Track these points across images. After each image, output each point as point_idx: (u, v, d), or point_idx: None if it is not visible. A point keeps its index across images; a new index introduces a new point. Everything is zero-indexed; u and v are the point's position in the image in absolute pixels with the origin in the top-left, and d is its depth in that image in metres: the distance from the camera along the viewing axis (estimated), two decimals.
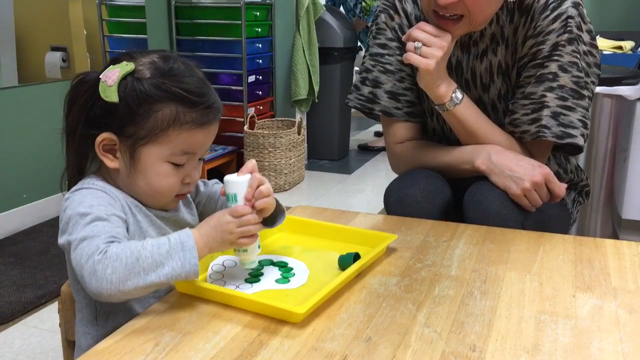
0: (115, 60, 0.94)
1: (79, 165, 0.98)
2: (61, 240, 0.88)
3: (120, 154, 0.93)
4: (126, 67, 0.91)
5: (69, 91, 0.95)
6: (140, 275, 0.81)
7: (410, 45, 1.24)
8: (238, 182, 0.91)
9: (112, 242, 0.83)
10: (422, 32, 1.23)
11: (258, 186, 0.92)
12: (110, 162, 0.94)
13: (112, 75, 0.91)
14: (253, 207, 0.91)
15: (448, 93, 1.27)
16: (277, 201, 1.00)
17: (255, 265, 0.96)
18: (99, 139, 0.92)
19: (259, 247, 0.93)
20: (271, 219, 1.00)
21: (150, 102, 0.90)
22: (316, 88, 3.93)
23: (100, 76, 0.92)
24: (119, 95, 0.90)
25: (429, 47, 1.22)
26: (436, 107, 1.31)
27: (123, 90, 0.90)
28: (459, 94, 1.28)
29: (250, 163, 0.94)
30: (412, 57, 1.23)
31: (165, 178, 0.94)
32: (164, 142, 0.92)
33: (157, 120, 0.91)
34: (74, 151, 0.96)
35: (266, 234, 1.10)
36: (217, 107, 0.96)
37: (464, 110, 1.28)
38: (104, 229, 0.84)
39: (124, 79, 0.91)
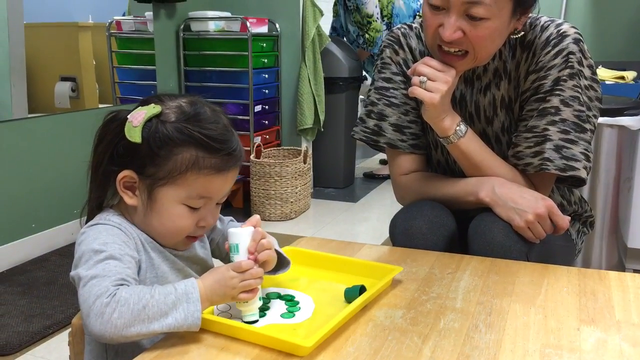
0: (145, 102, 0.97)
1: (99, 199, 1.00)
2: (72, 273, 0.90)
3: (139, 192, 0.96)
4: (153, 109, 0.94)
5: (101, 127, 0.99)
6: (144, 323, 0.82)
7: (415, 79, 1.26)
8: (241, 234, 0.93)
9: (122, 284, 0.84)
10: (427, 66, 1.25)
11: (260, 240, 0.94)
12: (129, 199, 0.96)
13: (138, 117, 0.94)
14: (256, 260, 0.93)
15: (452, 126, 1.29)
16: (283, 253, 1.02)
17: (254, 318, 0.94)
18: (120, 175, 0.95)
19: (260, 299, 0.94)
20: (276, 268, 1.02)
21: (172, 145, 0.93)
22: (322, 117, 3.97)
23: (128, 116, 0.95)
24: (142, 136, 0.93)
25: (433, 82, 1.24)
26: (441, 139, 1.33)
27: (147, 132, 0.93)
28: (462, 127, 1.30)
29: (254, 218, 0.96)
30: (417, 91, 1.26)
31: (179, 219, 0.96)
32: (182, 185, 0.94)
33: (176, 163, 0.93)
34: (97, 185, 0.99)
35: None
36: (237, 155, 0.98)
37: (467, 142, 1.30)
38: (115, 268, 0.86)
39: (149, 120, 0.94)
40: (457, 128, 1.30)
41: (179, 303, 0.85)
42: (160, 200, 0.95)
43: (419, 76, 1.25)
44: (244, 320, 0.93)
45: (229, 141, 0.97)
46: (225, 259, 1.12)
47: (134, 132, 0.93)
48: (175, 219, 0.96)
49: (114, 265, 0.87)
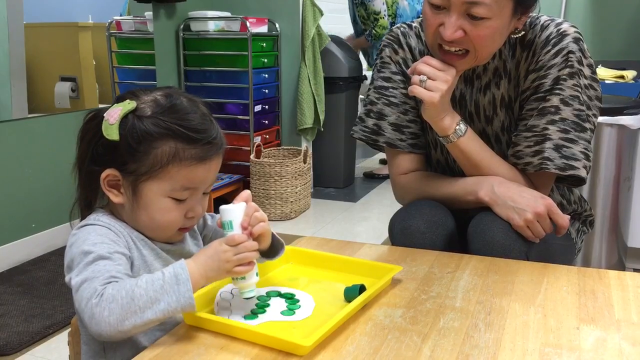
0: (120, 99, 0.97)
1: (87, 199, 1.00)
2: (66, 278, 0.90)
3: (123, 190, 0.96)
4: (128, 105, 0.94)
5: (81, 127, 0.98)
6: (136, 314, 0.82)
7: (415, 78, 1.26)
8: (233, 210, 0.92)
9: (110, 282, 0.84)
10: (427, 65, 1.25)
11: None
12: (115, 197, 0.96)
13: (114, 114, 0.93)
14: (250, 234, 0.92)
15: (452, 125, 1.29)
16: (276, 235, 1.02)
17: (253, 294, 0.94)
18: (103, 174, 0.95)
19: (256, 274, 0.94)
20: (272, 252, 1.02)
21: (150, 139, 0.93)
22: (322, 117, 3.97)
23: (104, 114, 0.94)
24: (119, 133, 0.92)
25: (433, 81, 1.24)
26: (440, 139, 1.33)
27: (124, 129, 0.93)
28: (462, 126, 1.30)
29: (245, 193, 0.96)
30: (417, 90, 1.26)
31: (167, 213, 0.96)
32: (164, 178, 0.94)
33: (156, 157, 0.93)
34: (82, 185, 0.99)
35: (273, 265, 1.12)
36: (218, 143, 0.97)
37: (467, 142, 1.30)
38: (104, 268, 0.86)
39: (125, 117, 0.93)
40: (457, 127, 1.29)
41: (169, 286, 0.84)
42: (146, 195, 0.95)
43: (419, 75, 1.25)
44: (243, 297, 0.94)
45: (208, 130, 0.96)
46: None
47: (111, 130, 0.93)
48: (162, 212, 0.96)
49: (103, 265, 0.87)
